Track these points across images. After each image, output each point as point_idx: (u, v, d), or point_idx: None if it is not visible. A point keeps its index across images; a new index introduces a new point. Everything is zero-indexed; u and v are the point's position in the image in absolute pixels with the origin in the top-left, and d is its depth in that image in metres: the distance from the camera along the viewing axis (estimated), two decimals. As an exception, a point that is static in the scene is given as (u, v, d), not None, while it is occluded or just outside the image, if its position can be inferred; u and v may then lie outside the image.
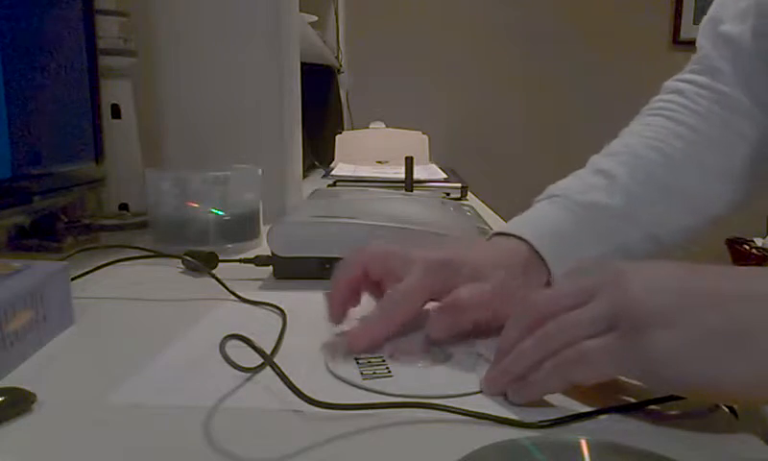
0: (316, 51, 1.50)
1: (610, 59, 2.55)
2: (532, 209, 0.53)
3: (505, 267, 0.45)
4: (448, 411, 0.34)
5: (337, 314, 0.46)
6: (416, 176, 1.08)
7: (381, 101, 2.46)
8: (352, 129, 1.99)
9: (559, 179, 0.56)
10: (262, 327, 0.47)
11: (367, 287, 0.47)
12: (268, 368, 0.36)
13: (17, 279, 0.43)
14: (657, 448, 0.29)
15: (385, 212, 0.66)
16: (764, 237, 2.38)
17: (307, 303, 0.54)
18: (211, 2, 0.88)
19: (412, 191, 1.05)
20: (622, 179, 0.52)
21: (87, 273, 0.59)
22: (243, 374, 0.38)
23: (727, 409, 0.35)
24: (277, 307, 0.51)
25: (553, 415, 0.34)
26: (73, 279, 0.51)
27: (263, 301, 0.53)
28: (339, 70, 1.93)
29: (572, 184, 0.53)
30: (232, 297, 0.55)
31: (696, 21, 2.53)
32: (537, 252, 0.47)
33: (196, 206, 0.70)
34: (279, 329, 0.46)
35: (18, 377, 0.39)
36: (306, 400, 0.33)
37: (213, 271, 0.60)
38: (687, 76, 0.59)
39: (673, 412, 0.35)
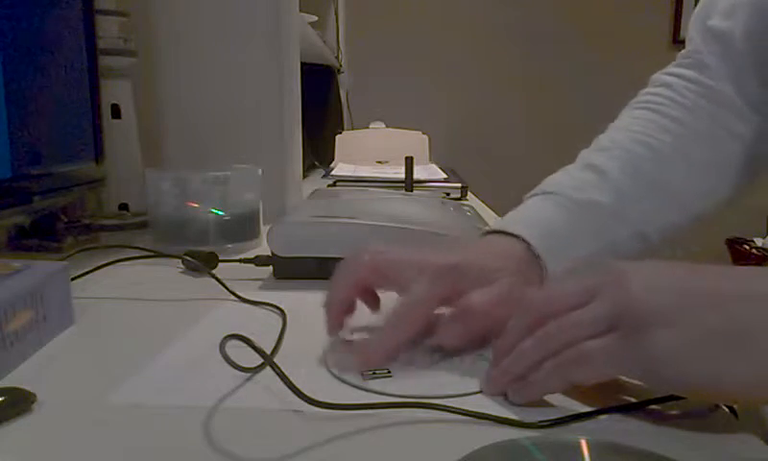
0: (316, 51, 1.50)
1: (610, 59, 2.55)
2: (525, 206, 0.53)
3: (511, 269, 0.45)
4: (448, 411, 0.34)
5: (335, 325, 0.44)
6: (416, 176, 1.08)
7: (381, 101, 2.46)
8: (352, 129, 1.99)
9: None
10: (262, 328, 0.47)
11: (363, 295, 0.46)
12: (268, 368, 0.36)
13: (17, 279, 0.43)
14: (657, 448, 0.29)
15: (385, 212, 0.66)
16: (764, 237, 2.38)
17: (307, 303, 0.54)
18: (211, 2, 0.88)
19: (412, 191, 1.05)
20: (612, 175, 0.52)
21: (87, 273, 0.59)
22: (243, 374, 0.38)
23: (727, 409, 0.35)
24: (277, 307, 0.51)
25: (553, 415, 0.34)
26: (73, 279, 0.51)
27: (263, 301, 0.53)
28: (339, 70, 1.93)
29: (564, 180, 0.53)
30: (232, 297, 0.55)
31: (696, 21, 2.53)
32: (533, 249, 0.47)
33: (196, 205, 0.70)
34: (279, 329, 0.46)
35: (18, 377, 0.39)
36: (306, 400, 0.33)
37: (213, 271, 0.60)
38: (675, 70, 0.58)
39: (673, 412, 0.35)
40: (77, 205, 0.82)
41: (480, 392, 0.37)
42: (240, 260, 0.63)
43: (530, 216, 0.51)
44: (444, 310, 0.43)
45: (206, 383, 0.38)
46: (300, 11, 0.99)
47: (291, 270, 0.61)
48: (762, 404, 0.45)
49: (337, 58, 1.93)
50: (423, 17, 2.57)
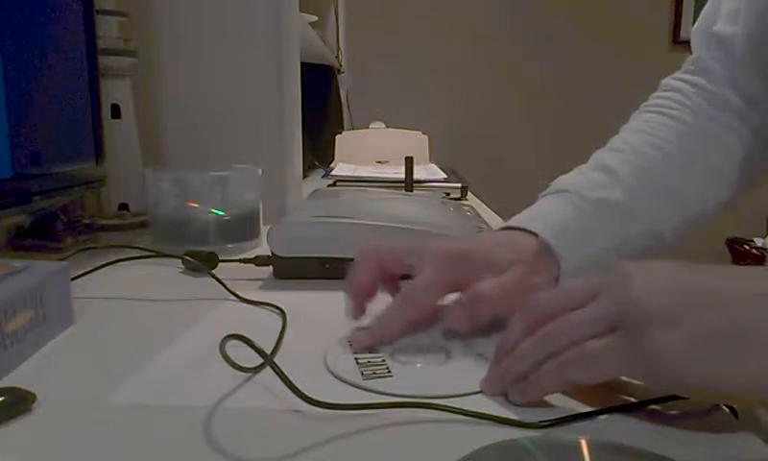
0: (316, 51, 1.51)
1: (610, 58, 2.55)
2: (539, 204, 0.54)
3: (522, 261, 0.46)
4: (448, 411, 0.34)
5: (357, 310, 0.46)
6: (416, 176, 1.08)
7: (381, 101, 2.46)
8: (352, 129, 1.99)
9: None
10: (262, 327, 0.47)
11: (383, 283, 0.48)
12: (268, 368, 0.36)
13: (17, 279, 0.43)
14: (657, 449, 0.29)
15: (385, 212, 0.66)
16: (764, 237, 2.38)
17: (307, 303, 0.54)
18: (211, 2, 0.88)
19: (412, 191, 1.05)
20: (624, 175, 0.53)
21: (87, 273, 0.59)
22: (243, 374, 0.38)
23: (727, 409, 0.35)
24: (277, 307, 0.51)
25: (553, 415, 0.34)
26: (73, 279, 0.51)
27: (263, 301, 0.53)
28: (339, 70, 1.93)
29: (578, 180, 0.54)
30: (232, 297, 0.55)
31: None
32: (547, 246, 0.48)
33: (196, 205, 0.70)
34: (279, 329, 0.46)
35: (18, 377, 0.39)
36: (306, 400, 0.33)
37: (213, 271, 0.60)
38: (683, 76, 0.60)
39: (673, 412, 0.35)
40: (77, 205, 0.82)
41: (480, 392, 0.37)
42: (240, 260, 0.63)
43: (543, 213, 0.52)
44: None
45: (206, 383, 0.38)
46: (300, 11, 1.00)
47: (291, 270, 0.61)
48: (762, 405, 0.45)
49: (337, 58, 1.93)
50: (423, 17, 2.57)
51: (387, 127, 1.71)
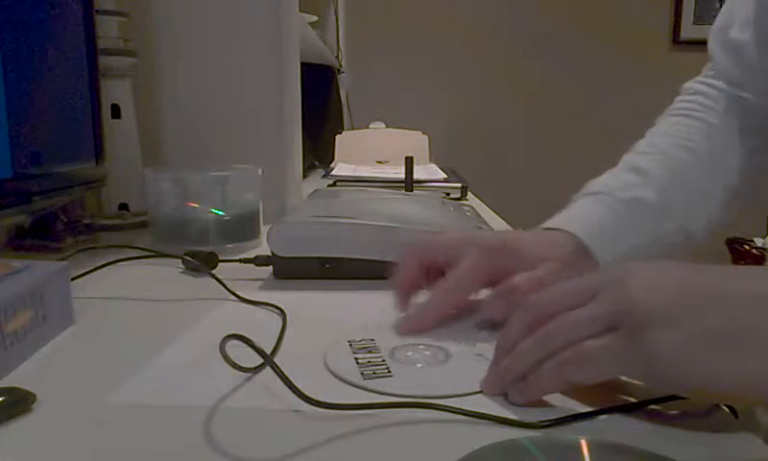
0: (316, 51, 1.51)
1: (610, 58, 2.55)
2: (575, 206, 0.56)
3: (557, 258, 0.48)
4: (448, 411, 0.34)
5: (403, 304, 0.48)
6: (416, 176, 1.08)
7: (381, 101, 2.46)
8: (352, 129, 1.99)
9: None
10: (262, 327, 0.47)
11: (427, 273, 0.49)
12: (268, 368, 0.36)
13: (17, 279, 0.43)
14: (657, 449, 0.29)
15: (385, 212, 0.66)
16: (764, 237, 2.38)
17: (307, 303, 0.54)
18: (211, 2, 0.88)
19: (412, 191, 1.05)
20: (655, 176, 0.55)
21: (87, 273, 0.59)
22: (243, 374, 0.38)
23: (727, 409, 0.35)
24: (277, 307, 0.51)
25: (553, 415, 0.34)
26: (73, 279, 0.51)
27: (263, 301, 0.53)
28: (339, 70, 1.93)
29: (610, 182, 0.57)
30: (232, 297, 0.55)
31: (696, 21, 2.53)
32: (584, 245, 0.50)
33: (196, 205, 0.70)
34: (279, 329, 0.46)
35: (18, 377, 0.39)
36: (306, 400, 0.33)
37: (213, 271, 0.60)
38: (705, 79, 0.62)
39: (673, 412, 0.35)
40: (77, 205, 0.82)
41: (480, 392, 0.37)
42: (240, 260, 0.63)
43: (579, 215, 0.54)
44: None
45: (206, 383, 0.38)
46: (300, 11, 1.00)
47: (291, 270, 0.61)
48: (762, 405, 0.45)
49: (337, 58, 1.93)
50: (423, 17, 2.57)
51: (387, 127, 1.71)
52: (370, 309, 0.53)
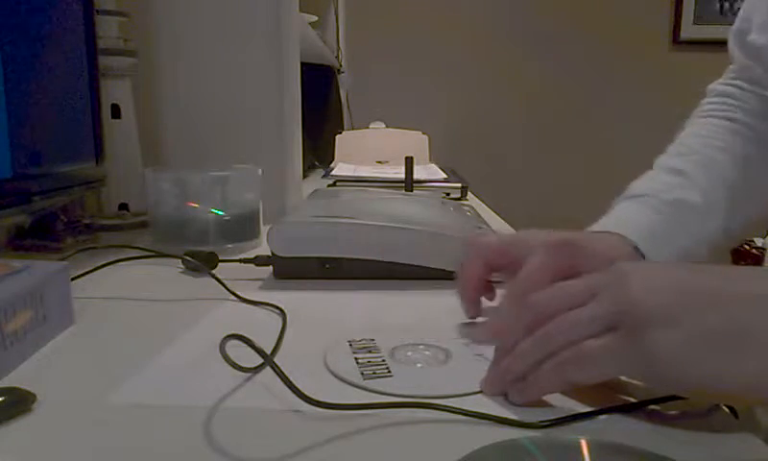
0: (316, 51, 1.50)
1: (610, 59, 2.55)
2: (620, 209, 0.56)
3: (621, 258, 0.47)
4: (448, 411, 0.34)
5: (472, 309, 0.48)
6: (416, 176, 1.08)
7: (381, 101, 2.46)
8: (352, 129, 1.99)
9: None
10: (262, 327, 0.47)
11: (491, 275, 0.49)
12: (268, 368, 0.36)
13: (17, 279, 0.43)
14: (657, 449, 0.29)
15: (385, 212, 0.66)
16: (764, 237, 2.38)
17: (307, 303, 0.54)
18: (211, 2, 0.88)
19: (412, 191, 1.05)
20: (694, 175, 0.56)
21: (87, 273, 0.59)
22: (243, 374, 0.38)
23: (727, 409, 0.35)
24: (277, 307, 0.51)
25: (553, 415, 0.34)
26: (73, 279, 0.51)
27: (263, 301, 0.53)
28: (339, 70, 1.93)
29: (653, 185, 0.57)
30: (232, 297, 0.55)
31: (696, 21, 2.53)
32: (636, 248, 0.50)
33: (196, 205, 0.70)
34: (279, 329, 0.46)
35: (18, 377, 0.39)
36: (306, 400, 0.33)
37: (213, 271, 0.60)
38: (730, 81, 0.63)
39: (673, 412, 0.35)
40: (77, 205, 0.82)
41: (480, 392, 0.37)
42: (240, 260, 0.63)
43: (627, 217, 0.54)
44: None
45: (206, 383, 0.38)
46: (300, 11, 1.00)
47: (291, 270, 0.61)
48: (762, 405, 0.45)
49: (337, 58, 1.93)
50: (423, 17, 2.57)
51: (387, 127, 1.71)
52: (371, 309, 0.53)
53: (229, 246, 0.70)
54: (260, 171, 0.75)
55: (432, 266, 0.60)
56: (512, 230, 0.86)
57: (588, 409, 0.35)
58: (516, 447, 0.29)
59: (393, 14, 2.57)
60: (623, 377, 0.36)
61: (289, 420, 0.34)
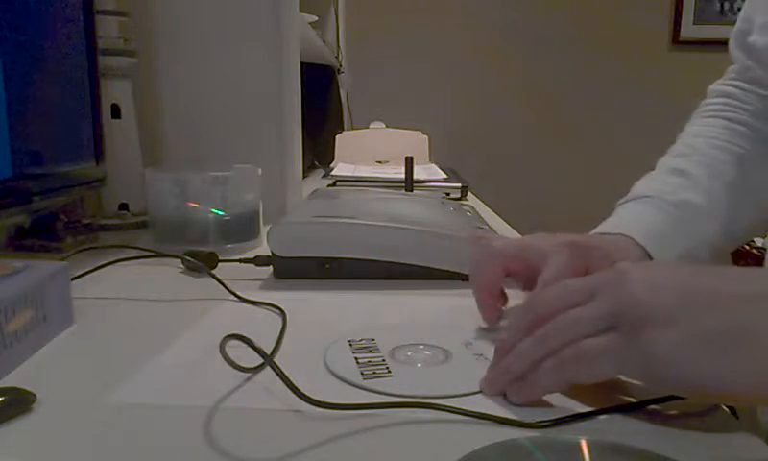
0: (316, 51, 1.50)
1: (610, 59, 2.55)
2: (625, 211, 0.56)
3: (632, 259, 0.48)
4: (448, 411, 0.34)
5: (492, 315, 0.48)
6: (416, 176, 1.08)
7: (381, 101, 2.46)
8: (352, 129, 1.99)
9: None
10: (262, 327, 0.47)
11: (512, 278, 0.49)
12: (268, 368, 0.36)
13: (17, 279, 0.43)
14: (657, 449, 0.29)
15: (385, 212, 0.66)
16: (764, 237, 2.38)
17: (307, 303, 0.54)
18: (211, 2, 0.88)
19: (412, 191, 1.05)
20: (698, 176, 0.56)
21: (87, 273, 0.59)
22: (243, 374, 0.38)
23: (727, 409, 0.35)
24: (277, 307, 0.51)
25: (553, 415, 0.34)
26: (73, 279, 0.52)
27: (263, 301, 0.53)
28: (339, 70, 1.93)
29: (656, 186, 0.57)
30: (232, 297, 0.55)
31: (696, 21, 2.53)
32: (644, 249, 0.50)
33: (196, 205, 0.70)
34: (279, 329, 0.46)
35: (18, 377, 0.39)
36: (306, 400, 0.33)
37: (213, 271, 0.60)
38: (731, 81, 0.62)
39: (673, 412, 0.35)
40: (77, 205, 0.82)
41: (480, 392, 0.37)
42: (240, 260, 0.63)
43: (633, 219, 0.54)
44: None
45: (206, 383, 0.38)
46: (300, 11, 1.00)
47: (291, 270, 0.61)
48: (762, 405, 0.45)
49: (337, 58, 1.93)
50: (424, 18, 2.57)
51: (387, 127, 1.71)
52: (371, 309, 0.53)
53: (229, 246, 0.70)
54: (260, 171, 0.75)
55: (432, 266, 0.60)
56: (512, 230, 0.86)
57: (588, 409, 0.35)
58: (515, 447, 0.29)
59: (393, 14, 2.56)
60: (623, 377, 0.36)
61: (289, 420, 0.34)
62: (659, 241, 0.51)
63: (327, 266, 0.61)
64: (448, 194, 1.13)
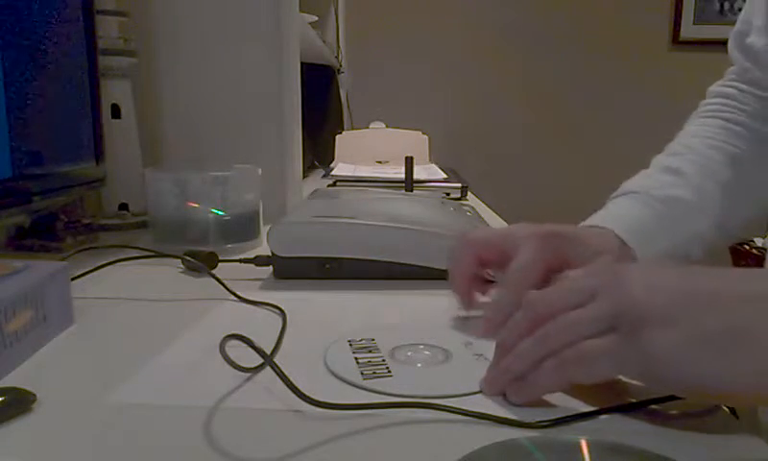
0: (316, 51, 1.50)
1: (610, 59, 2.55)
2: (613, 205, 0.56)
3: (610, 252, 0.49)
4: (448, 411, 0.34)
5: (467, 304, 0.49)
6: (416, 176, 1.08)
7: (381, 101, 2.46)
8: (352, 129, 1.99)
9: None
10: (262, 327, 0.47)
11: (481, 270, 0.49)
12: (268, 368, 0.36)
13: (17, 279, 0.43)
14: (657, 449, 0.29)
15: (385, 212, 0.66)
16: (764, 237, 2.38)
17: (307, 303, 0.54)
18: (211, 2, 0.88)
19: (412, 191, 1.05)
20: (690, 175, 0.56)
21: (87, 273, 0.59)
22: (243, 374, 0.38)
23: (727, 409, 0.35)
24: (277, 307, 0.51)
25: (553, 415, 0.34)
26: (73, 279, 0.52)
27: (263, 301, 0.53)
28: (339, 70, 1.93)
29: (645, 182, 0.57)
30: (232, 297, 0.55)
31: (696, 21, 2.53)
32: (625, 243, 0.51)
33: (196, 205, 0.70)
34: (279, 329, 0.46)
35: (18, 377, 0.39)
36: (306, 400, 0.33)
37: (213, 271, 0.60)
38: (730, 83, 0.63)
39: (673, 412, 0.35)
40: (77, 205, 0.82)
41: (480, 392, 0.37)
42: (240, 260, 0.63)
43: (618, 213, 0.55)
44: None
45: (206, 383, 0.38)
46: (300, 11, 1.00)
47: (291, 270, 0.61)
48: (762, 405, 0.45)
49: (337, 58, 1.93)
50: (424, 18, 2.57)
51: (387, 127, 1.71)
52: (371, 309, 0.53)
53: (229, 246, 0.70)
54: (260, 171, 0.75)
55: (432, 266, 0.60)
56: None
57: (588, 409, 0.35)
58: (515, 446, 0.29)
59: (393, 14, 2.56)
60: (623, 377, 0.36)
61: (289, 420, 0.34)
62: (640, 235, 0.52)
63: (327, 266, 0.61)
64: (448, 194, 1.13)
